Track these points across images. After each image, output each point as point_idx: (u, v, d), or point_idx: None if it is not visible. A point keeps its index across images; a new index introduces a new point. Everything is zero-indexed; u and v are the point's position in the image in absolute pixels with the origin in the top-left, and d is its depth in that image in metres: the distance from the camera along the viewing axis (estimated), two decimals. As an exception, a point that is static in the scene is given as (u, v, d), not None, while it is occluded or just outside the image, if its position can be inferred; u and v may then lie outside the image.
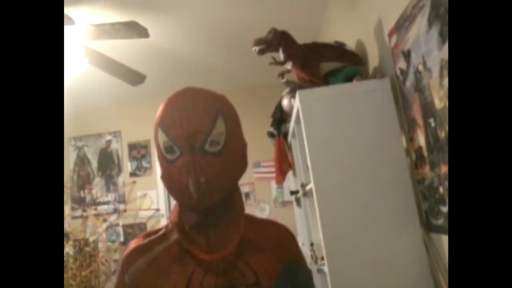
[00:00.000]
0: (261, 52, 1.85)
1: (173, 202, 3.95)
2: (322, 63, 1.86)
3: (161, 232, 0.81)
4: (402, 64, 1.51)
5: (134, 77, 2.62)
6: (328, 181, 1.52)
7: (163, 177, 0.76)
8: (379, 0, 1.72)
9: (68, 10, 2.30)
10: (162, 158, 0.75)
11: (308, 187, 1.93)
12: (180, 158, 0.71)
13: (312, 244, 2.03)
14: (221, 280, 0.72)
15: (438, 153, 1.29)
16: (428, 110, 1.34)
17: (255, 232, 0.81)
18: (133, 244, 0.81)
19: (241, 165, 0.79)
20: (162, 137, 0.72)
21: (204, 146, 0.71)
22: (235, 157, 0.76)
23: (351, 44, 2.09)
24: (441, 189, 1.30)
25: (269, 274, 0.76)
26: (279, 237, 0.83)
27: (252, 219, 0.84)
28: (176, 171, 0.71)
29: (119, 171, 3.98)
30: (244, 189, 3.81)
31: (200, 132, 0.70)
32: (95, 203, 3.88)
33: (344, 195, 1.50)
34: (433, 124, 1.31)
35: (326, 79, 1.86)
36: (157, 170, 3.96)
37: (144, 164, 3.98)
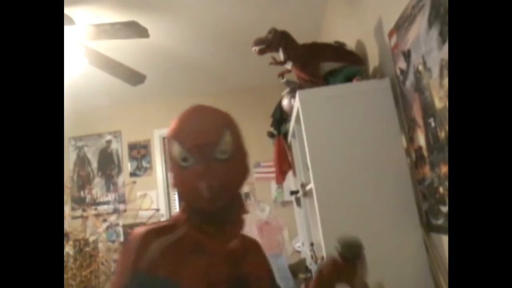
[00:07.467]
0: (261, 52, 1.85)
1: (173, 202, 3.96)
2: (322, 63, 1.86)
3: (169, 223, 0.86)
4: (402, 64, 1.51)
5: (134, 77, 2.62)
6: (328, 181, 1.52)
7: (176, 184, 0.84)
8: (379, 0, 1.72)
9: (68, 10, 2.30)
10: (176, 167, 0.82)
11: (308, 187, 1.93)
12: (194, 165, 0.79)
13: (312, 244, 2.03)
14: (233, 270, 0.81)
15: (438, 153, 1.29)
16: (428, 110, 1.34)
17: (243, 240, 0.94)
18: (141, 229, 0.83)
19: (245, 172, 0.89)
20: (177, 149, 0.81)
21: (215, 154, 0.80)
22: (240, 164, 0.86)
23: (351, 44, 2.09)
24: (441, 189, 1.30)
25: (265, 273, 0.92)
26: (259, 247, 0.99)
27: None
28: (191, 176, 0.79)
29: (119, 171, 3.97)
30: (244, 189, 3.80)
31: (211, 143, 0.80)
32: (95, 203, 3.88)
33: (344, 195, 1.50)
34: (433, 124, 1.31)
35: (326, 79, 1.85)
36: (157, 170, 3.95)
37: (144, 164, 3.98)
